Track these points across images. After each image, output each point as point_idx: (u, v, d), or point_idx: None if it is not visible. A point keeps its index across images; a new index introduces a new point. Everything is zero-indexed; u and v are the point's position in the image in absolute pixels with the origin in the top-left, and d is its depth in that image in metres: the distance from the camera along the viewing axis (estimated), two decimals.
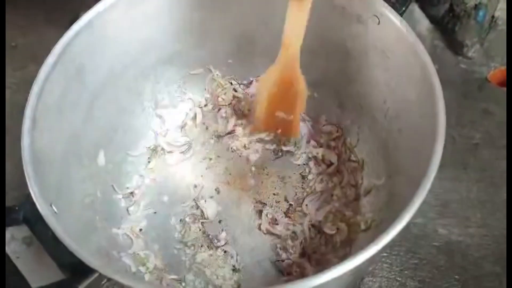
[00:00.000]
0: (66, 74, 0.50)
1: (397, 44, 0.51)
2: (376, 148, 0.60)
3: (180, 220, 0.62)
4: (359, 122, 0.63)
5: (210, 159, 0.67)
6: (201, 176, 0.65)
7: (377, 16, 0.52)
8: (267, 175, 0.65)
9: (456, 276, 0.60)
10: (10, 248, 0.51)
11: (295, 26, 0.54)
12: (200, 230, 0.61)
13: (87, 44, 0.52)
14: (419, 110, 0.49)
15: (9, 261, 0.47)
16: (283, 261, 0.59)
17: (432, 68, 0.47)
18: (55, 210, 0.43)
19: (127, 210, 0.62)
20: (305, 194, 0.64)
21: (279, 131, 0.65)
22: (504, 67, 0.76)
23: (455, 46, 0.78)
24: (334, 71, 0.62)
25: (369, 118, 0.60)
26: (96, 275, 0.44)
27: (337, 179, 0.64)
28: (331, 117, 0.67)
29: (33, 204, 0.42)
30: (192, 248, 0.60)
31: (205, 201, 0.63)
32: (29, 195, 0.42)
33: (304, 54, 0.54)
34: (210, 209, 0.62)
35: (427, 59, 0.48)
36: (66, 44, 0.49)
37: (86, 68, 0.53)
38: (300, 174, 0.65)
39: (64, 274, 0.45)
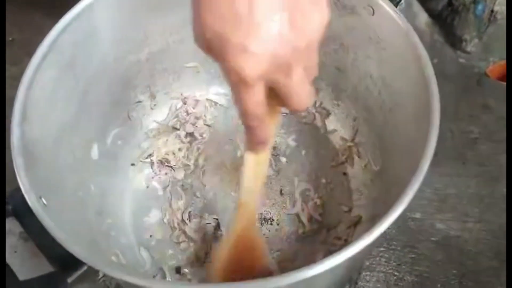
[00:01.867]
0: (57, 66, 0.50)
1: (391, 35, 0.51)
2: (372, 141, 0.60)
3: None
4: (354, 115, 0.63)
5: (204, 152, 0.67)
6: (196, 169, 0.65)
7: (371, 7, 0.51)
8: None
9: (454, 271, 0.60)
10: (8, 243, 0.51)
11: (252, 182, 0.47)
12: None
13: (79, 36, 0.51)
14: (414, 101, 0.48)
15: None
16: None
17: (426, 59, 0.46)
18: (45, 202, 0.42)
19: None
20: None
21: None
22: (502, 62, 0.76)
23: (454, 41, 0.78)
24: (328, 64, 0.61)
25: (365, 111, 0.60)
26: (85, 267, 0.44)
27: None
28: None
29: (23, 196, 0.41)
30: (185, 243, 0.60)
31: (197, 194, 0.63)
32: (18, 187, 0.42)
33: None
34: (202, 202, 0.62)
35: (422, 50, 0.47)
36: (56, 36, 0.49)
37: (78, 59, 0.52)
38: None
39: (53, 266, 0.45)
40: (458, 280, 0.59)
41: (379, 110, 0.56)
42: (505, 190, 0.64)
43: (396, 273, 0.60)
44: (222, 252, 0.50)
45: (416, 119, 0.48)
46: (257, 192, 0.48)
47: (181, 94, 0.69)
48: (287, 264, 0.57)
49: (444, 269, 0.60)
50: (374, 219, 0.54)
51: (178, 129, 0.68)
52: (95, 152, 0.58)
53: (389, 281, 0.59)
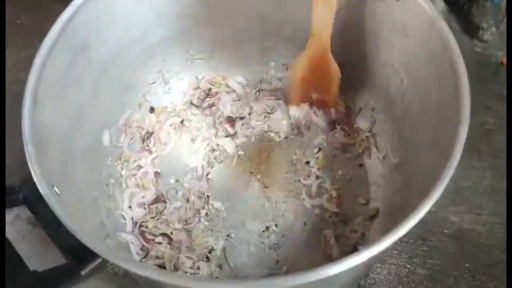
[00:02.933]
0: (70, 49, 0.48)
1: (417, 21, 0.49)
2: (391, 132, 0.58)
3: (186, 205, 0.61)
4: (373, 104, 0.62)
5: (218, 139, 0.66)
6: (209, 156, 0.64)
7: None
8: (277, 158, 0.64)
9: (467, 264, 0.59)
10: (16, 228, 0.50)
11: (323, 16, 0.53)
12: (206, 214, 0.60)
13: (92, 18, 0.50)
14: (440, 90, 0.47)
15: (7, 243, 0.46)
16: None
17: (454, 45, 0.45)
18: (57, 191, 0.41)
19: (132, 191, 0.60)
20: None
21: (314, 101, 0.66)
22: None
23: (471, 29, 0.76)
24: (350, 51, 0.59)
25: (384, 100, 0.58)
26: (99, 260, 0.43)
27: None
28: (344, 99, 0.65)
29: (34, 184, 0.40)
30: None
31: (212, 182, 0.62)
32: (30, 175, 0.41)
33: None
34: (217, 191, 0.62)
35: (450, 36, 0.46)
36: (69, 17, 0.47)
37: (91, 42, 0.51)
38: (314, 157, 0.64)
39: (66, 258, 0.44)
40: (470, 274, 0.58)
41: (400, 100, 0.55)
42: None
43: (407, 266, 0.59)
44: (300, 65, 0.61)
45: (441, 110, 0.46)
46: (329, 23, 0.54)
47: (195, 80, 0.68)
48: (302, 257, 0.57)
49: (457, 262, 0.59)
50: (392, 213, 0.53)
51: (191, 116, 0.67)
52: (106, 139, 0.57)
53: (401, 273, 0.59)
